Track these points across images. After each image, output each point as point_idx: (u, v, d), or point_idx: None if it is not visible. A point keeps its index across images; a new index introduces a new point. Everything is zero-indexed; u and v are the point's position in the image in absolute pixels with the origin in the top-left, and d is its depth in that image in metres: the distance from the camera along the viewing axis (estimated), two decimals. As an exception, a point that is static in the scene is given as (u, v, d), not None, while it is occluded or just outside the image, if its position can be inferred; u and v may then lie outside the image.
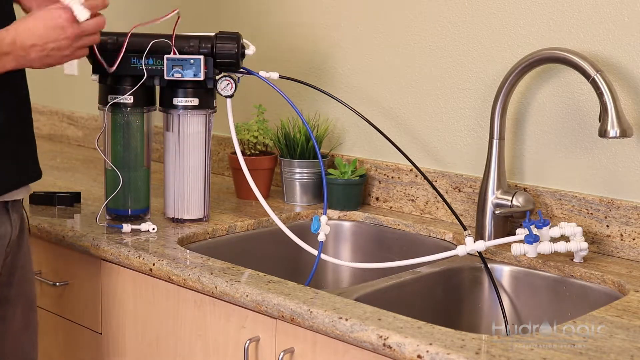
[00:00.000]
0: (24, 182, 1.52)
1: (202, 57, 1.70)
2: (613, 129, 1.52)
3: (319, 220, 1.64)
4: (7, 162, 1.46)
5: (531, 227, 1.57)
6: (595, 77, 1.54)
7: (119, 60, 1.66)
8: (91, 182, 2.19)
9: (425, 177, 1.73)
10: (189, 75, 1.70)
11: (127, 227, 1.74)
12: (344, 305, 1.35)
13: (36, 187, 1.69)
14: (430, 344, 1.20)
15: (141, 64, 1.70)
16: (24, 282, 1.58)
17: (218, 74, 1.75)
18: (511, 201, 1.71)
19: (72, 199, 1.93)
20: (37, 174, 1.56)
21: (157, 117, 1.82)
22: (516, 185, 1.78)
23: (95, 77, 1.74)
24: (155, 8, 2.51)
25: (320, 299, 1.37)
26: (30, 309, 1.61)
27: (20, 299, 1.58)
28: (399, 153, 1.76)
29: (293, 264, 1.87)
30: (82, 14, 1.46)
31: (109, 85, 1.73)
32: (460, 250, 1.58)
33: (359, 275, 1.92)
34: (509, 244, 1.60)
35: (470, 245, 1.57)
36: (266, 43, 2.12)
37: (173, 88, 1.75)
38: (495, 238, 1.70)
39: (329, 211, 1.95)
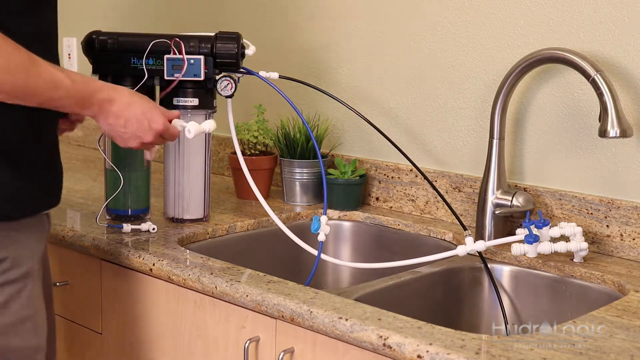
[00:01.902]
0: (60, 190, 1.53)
1: (202, 57, 1.70)
2: (613, 129, 1.52)
3: (319, 220, 1.64)
4: (59, 173, 1.48)
5: (531, 227, 1.57)
6: (595, 77, 1.55)
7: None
8: (91, 182, 2.19)
9: (425, 177, 1.73)
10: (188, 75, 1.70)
11: (127, 227, 1.74)
12: (344, 305, 1.35)
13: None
14: (430, 344, 1.20)
15: (141, 64, 1.70)
16: (48, 277, 1.59)
17: (218, 74, 1.75)
18: (511, 201, 1.71)
19: None
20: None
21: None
22: (516, 185, 1.78)
23: (95, 78, 1.74)
24: (155, 8, 2.51)
25: (320, 299, 1.37)
26: (50, 309, 1.62)
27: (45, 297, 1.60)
28: (399, 153, 1.76)
29: (293, 264, 1.87)
30: (191, 132, 1.57)
31: (109, 85, 1.73)
32: (460, 250, 1.58)
33: (359, 275, 1.92)
34: (509, 244, 1.60)
35: (470, 245, 1.57)
36: (266, 43, 2.12)
37: (173, 88, 1.75)
38: (495, 238, 1.70)
39: (329, 211, 1.95)
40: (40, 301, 1.45)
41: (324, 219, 1.64)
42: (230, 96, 1.75)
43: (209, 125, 1.62)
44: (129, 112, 1.46)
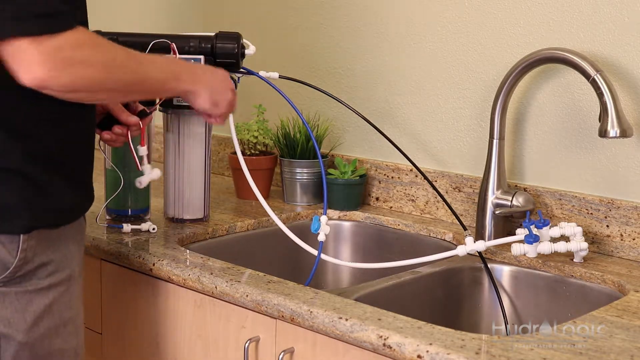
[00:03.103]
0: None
1: (202, 57, 1.70)
2: (613, 129, 1.52)
3: (319, 220, 1.64)
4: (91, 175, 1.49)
5: (531, 227, 1.57)
6: (595, 77, 1.55)
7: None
8: (91, 182, 2.19)
9: (425, 177, 1.73)
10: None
11: (127, 227, 1.74)
12: (344, 305, 1.35)
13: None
14: (430, 344, 1.20)
15: (141, 64, 1.70)
16: None
17: (218, 74, 1.75)
18: (511, 201, 1.71)
19: None
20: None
21: (157, 117, 1.82)
22: (516, 185, 1.78)
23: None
24: (155, 8, 2.51)
25: (320, 299, 1.37)
26: None
27: None
28: (399, 153, 1.76)
29: (293, 264, 1.87)
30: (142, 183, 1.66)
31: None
32: (460, 250, 1.58)
33: (359, 275, 1.92)
34: (509, 244, 1.60)
35: (470, 245, 1.57)
36: (266, 43, 2.12)
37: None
38: (495, 238, 1.70)
39: (329, 211, 1.95)
40: (80, 303, 1.46)
41: (324, 219, 1.64)
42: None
43: (156, 173, 1.65)
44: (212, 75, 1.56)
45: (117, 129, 1.58)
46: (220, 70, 1.59)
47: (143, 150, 1.62)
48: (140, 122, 1.59)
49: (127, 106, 1.60)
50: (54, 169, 1.35)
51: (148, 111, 1.62)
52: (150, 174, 1.64)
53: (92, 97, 1.32)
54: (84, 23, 1.39)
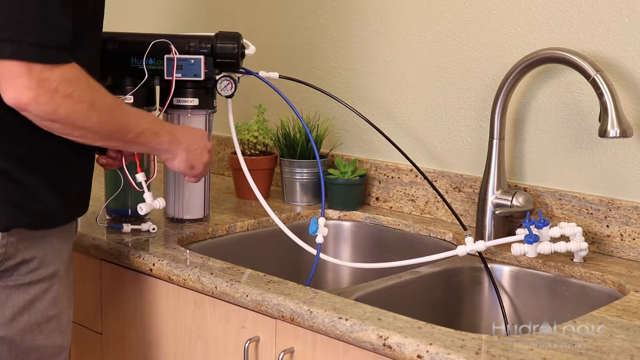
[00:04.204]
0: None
1: (202, 57, 1.70)
2: (613, 129, 1.52)
3: (317, 222, 1.63)
4: (90, 183, 1.52)
5: (531, 227, 1.57)
6: (595, 77, 1.55)
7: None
8: (91, 182, 2.19)
9: (425, 177, 1.73)
10: (189, 75, 1.70)
11: (127, 227, 1.74)
12: (344, 305, 1.35)
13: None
14: (430, 344, 1.20)
15: (142, 64, 1.70)
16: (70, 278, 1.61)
17: (218, 74, 1.75)
18: (511, 201, 1.71)
19: None
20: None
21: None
22: (516, 185, 1.78)
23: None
24: (155, 8, 2.51)
25: (320, 299, 1.37)
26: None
27: None
28: (399, 153, 1.76)
29: (293, 264, 1.87)
30: (143, 210, 1.65)
31: (109, 85, 1.73)
32: (460, 250, 1.58)
33: (359, 275, 1.92)
34: (509, 244, 1.60)
35: (470, 245, 1.57)
36: (266, 43, 2.12)
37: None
38: (495, 238, 1.70)
39: (329, 211, 1.95)
40: (66, 301, 1.48)
41: (322, 220, 1.64)
42: (230, 96, 1.75)
43: (159, 202, 1.65)
44: (188, 134, 1.59)
45: (111, 152, 1.61)
46: (199, 131, 1.62)
47: (140, 176, 1.62)
48: None
49: None
50: (39, 173, 1.37)
51: None
52: (152, 203, 1.64)
53: (67, 131, 1.35)
54: (97, 47, 1.49)
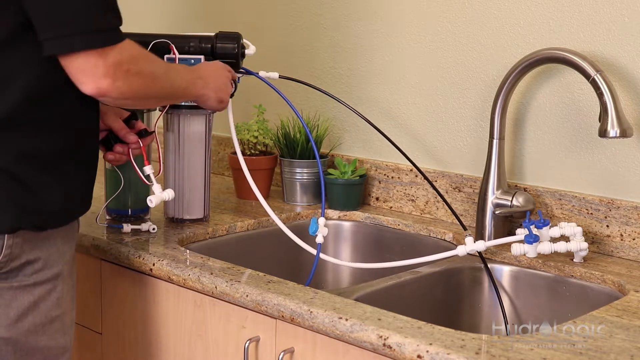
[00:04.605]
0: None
1: (202, 57, 1.70)
2: (613, 129, 1.52)
3: (317, 222, 1.63)
4: (93, 182, 1.52)
5: (531, 227, 1.57)
6: (595, 77, 1.55)
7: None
8: (91, 182, 2.19)
9: (425, 177, 1.73)
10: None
11: (127, 227, 1.74)
12: (344, 305, 1.35)
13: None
14: (430, 344, 1.20)
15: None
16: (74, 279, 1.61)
17: (218, 74, 1.75)
18: (511, 201, 1.71)
19: None
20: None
21: (156, 116, 1.82)
22: (516, 185, 1.78)
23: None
24: (156, 8, 2.51)
25: (320, 299, 1.37)
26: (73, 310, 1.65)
27: None
28: (399, 153, 1.76)
29: (293, 264, 1.87)
30: (153, 202, 1.66)
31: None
32: (460, 250, 1.58)
33: (359, 275, 1.92)
34: (509, 244, 1.60)
35: (470, 245, 1.57)
36: (266, 43, 2.12)
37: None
38: (495, 238, 1.70)
39: (329, 211, 1.95)
40: (69, 302, 1.48)
41: (321, 221, 1.64)
42: (230, 96, 1.75)
43: (168, 194, 1.66)
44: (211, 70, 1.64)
45: (118, 147, 1.62)
46: (218, 65, 1.66)
47: (148, 169, 1.63)
48: (141, 141, 1.62)
49: (127, 123, 1.63)
50: (43, 173, 1.37)
51: (149, 131, 1.64)
52: (161, 195, 1.64)
53: (134, 103, 1.46)
54: None
